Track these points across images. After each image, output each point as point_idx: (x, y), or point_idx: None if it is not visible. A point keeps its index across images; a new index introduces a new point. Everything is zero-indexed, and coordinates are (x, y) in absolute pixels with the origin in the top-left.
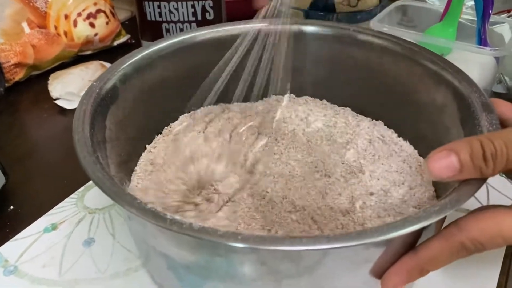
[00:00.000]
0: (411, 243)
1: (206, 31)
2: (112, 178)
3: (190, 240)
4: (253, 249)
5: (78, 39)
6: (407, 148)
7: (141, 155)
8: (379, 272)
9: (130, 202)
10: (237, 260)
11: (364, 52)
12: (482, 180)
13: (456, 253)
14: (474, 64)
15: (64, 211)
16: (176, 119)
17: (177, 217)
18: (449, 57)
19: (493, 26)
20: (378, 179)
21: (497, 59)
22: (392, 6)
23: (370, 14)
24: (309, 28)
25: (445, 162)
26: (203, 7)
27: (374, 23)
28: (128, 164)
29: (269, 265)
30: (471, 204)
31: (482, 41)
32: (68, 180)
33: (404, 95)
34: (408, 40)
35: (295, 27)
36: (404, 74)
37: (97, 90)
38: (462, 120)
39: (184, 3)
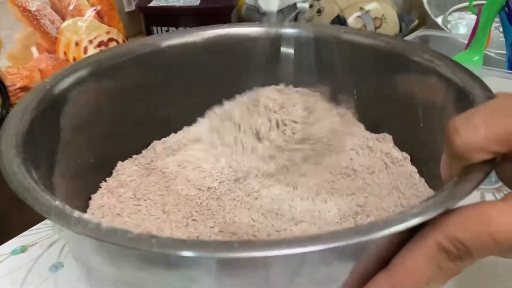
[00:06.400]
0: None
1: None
2: (30, 176)
3: (111, 249)
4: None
5: None
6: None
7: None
8: None
9: (37, 198)
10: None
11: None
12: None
13: (434, 258)
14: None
15: (39, 233)
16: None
17: (87, 216)
18: None
19: None
20: None
21: None
22: (412, 35)
23: None
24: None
25: None
26: None
27: None
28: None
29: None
30: None
31: None
32: None
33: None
34: None
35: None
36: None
37: (48, 87)
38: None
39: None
